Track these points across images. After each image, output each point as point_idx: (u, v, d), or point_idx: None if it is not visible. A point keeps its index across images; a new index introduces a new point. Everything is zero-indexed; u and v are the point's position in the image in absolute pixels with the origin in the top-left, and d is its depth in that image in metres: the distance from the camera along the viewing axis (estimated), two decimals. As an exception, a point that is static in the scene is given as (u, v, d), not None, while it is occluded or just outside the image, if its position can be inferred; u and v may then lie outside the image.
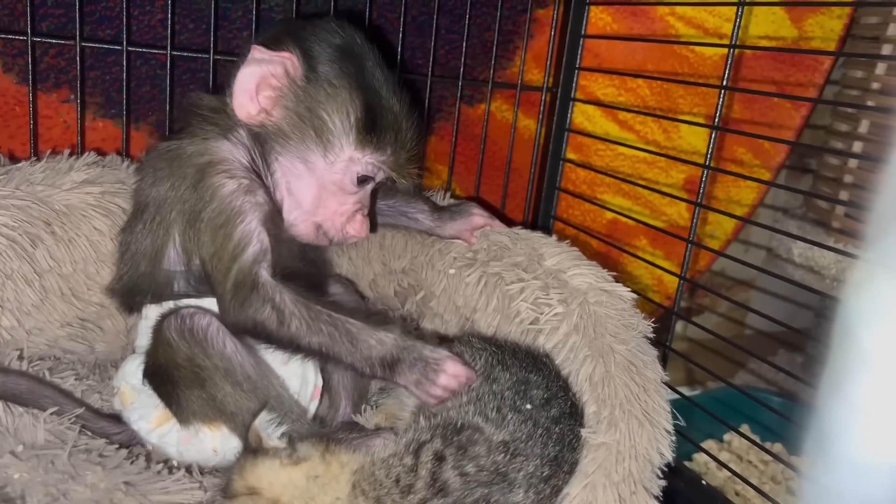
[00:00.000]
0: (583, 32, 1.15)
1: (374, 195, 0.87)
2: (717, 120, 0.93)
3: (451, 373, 0.70)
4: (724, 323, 1.59)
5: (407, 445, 0.66)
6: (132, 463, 0.71)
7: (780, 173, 1.43)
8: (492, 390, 0.71)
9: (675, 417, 0.75)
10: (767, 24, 1.28)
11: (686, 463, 1.14)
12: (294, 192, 0.79)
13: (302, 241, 0.82)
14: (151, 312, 0.80)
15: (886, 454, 0.51)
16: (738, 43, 0.92)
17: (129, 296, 0.83)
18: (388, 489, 0.63)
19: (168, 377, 0.74)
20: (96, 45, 0.97)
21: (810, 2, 1.24)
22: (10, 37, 0.94)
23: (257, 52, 0.76)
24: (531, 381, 0.73)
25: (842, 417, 0.52)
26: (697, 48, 1.26)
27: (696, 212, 0.96)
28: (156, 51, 0.99)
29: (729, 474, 1.03)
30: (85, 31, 0.96)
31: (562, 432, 0.70)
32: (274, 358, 0.77)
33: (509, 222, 0.98)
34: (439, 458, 0.64)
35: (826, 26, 1.32)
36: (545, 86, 1.20)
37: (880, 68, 1.22)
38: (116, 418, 0.79)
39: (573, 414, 0.73)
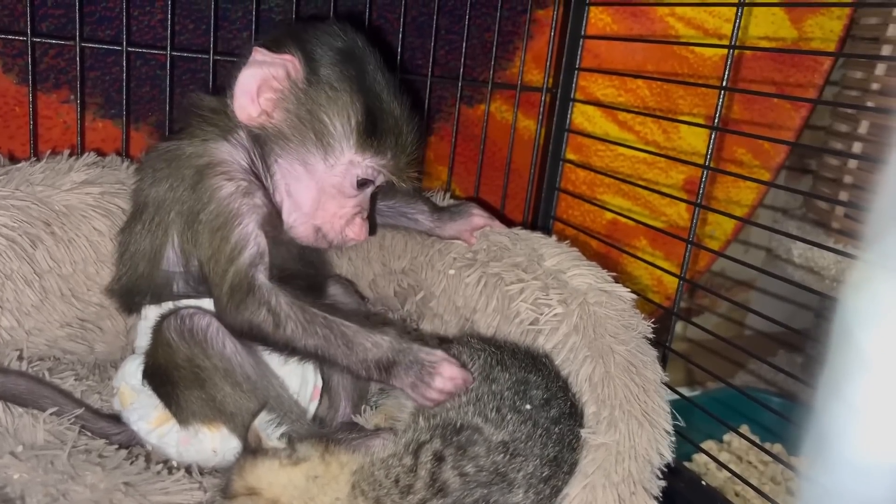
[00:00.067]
0: (582, 33, 1.15)
1: (373, 198, 0.87)
2: (716, 120, 0.93)
3: (447, 375, 0.70)
4: (723, 323, 1.59)
5: (406, 446, 0.66)
6: (132, 463, 0.71)
7: (779, 174, 1.43)
8: (491, 391, 0.71)
9: (674, 418, 0.75)
10: (767, 24, 1.29)
11: (686, 463, 1.14)
12: (293, 195, 0.79)
13: (301, 243, 0.82)
14: (151, 313, 0.80)
15: (886, 455, 0.50)
16: (737, 44, 0.92)
17: (129, 296, 0.83)
18: (387, 489, 0.63)
19: (168, 378, 0.74)
20: (96, 45, 0.97)
21: (810, 2, 1.24)
22: (10, 37, 0.94)
23: (259, 54, 0.76)
24: (531, 382, 0.73)
25: (841, 418, 0.52)
26: (697, 49, 1.26)
27: (696, 212, 0.96)
28: (156, 51, 0.99)
29: (729, 475, 1.03)
30: (85, 32, 0.96)
31: (561, 433, 0.70)
32: (273, 358, 0.77)
33: (509, 223, 0.98)
34: (439, 459, 0.64)
35: (826, 27, 1.32)
36: (545, 86, 1.20)
37: (880, 69, 1.22)
38: (116, 419, 0.79)
39: (573, 414, 0.73)
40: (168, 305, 0.79)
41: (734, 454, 1.23)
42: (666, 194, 1.08)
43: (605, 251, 1.21)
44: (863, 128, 1.24)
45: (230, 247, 0.73)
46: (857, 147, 1.25)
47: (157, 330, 0.75)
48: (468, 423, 0.68)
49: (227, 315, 0.73)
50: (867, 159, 1.17)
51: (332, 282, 0.92)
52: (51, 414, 0.73)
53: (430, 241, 0.99)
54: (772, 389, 1.42)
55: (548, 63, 1.19)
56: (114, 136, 1.02)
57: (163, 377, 0.74)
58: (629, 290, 0.84)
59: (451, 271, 0.95)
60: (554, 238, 0.94)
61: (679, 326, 1.29)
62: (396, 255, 1.02)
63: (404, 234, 1.00)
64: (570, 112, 1.18)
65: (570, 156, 1.22)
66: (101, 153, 0.97)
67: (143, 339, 0.79)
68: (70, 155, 0.92)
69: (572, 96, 1.18)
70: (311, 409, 0.82)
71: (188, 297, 0.79)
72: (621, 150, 1.27)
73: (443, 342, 0.81)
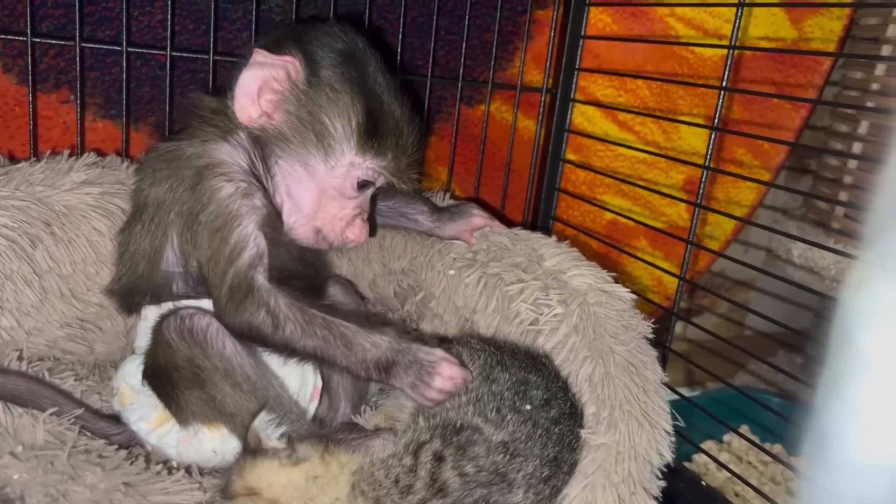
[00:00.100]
0: (582, 33, 1.15)
1: (373, 199, 0.87)
2: (716, 121, 0.93)
3: (447, 375, 0.70)
4: (723, 324, 1.59)
5: (406, 446, 0.66)
6: (131, 464, 0.71)
7: (779, 174, 1.43)
8: (491, 391, 0.71)
9: (674, 418, 0.75)
10: (767, 25, 1.29)
11: (686, 464, 1.14)
12: (294, 196, 0.79)
13: (301, 244, 0.82)
14: (150, 313, 0.80)
15: (886, 455, 0.50)
16: (737, 44, 0.92)
17: (128, 297, 0.83)
18: (387, 489, 0.63)
19: (167, 378, 0.74)
20: (96, 45, 0.97)
21: (810, 3, 1.24)
22: (9, 37, 0.94)
23: (259, 55, 0.76)
24: (531, 382, 0.73)
25: (841, 418, 0.52)
26: (697, 49, 1.26)
27: (696, 212, 0.96)
28: (155, 51, 0.99)
29: (728, 475, 1.03)
30: (85, 32, 0.96)
31: (561, 433, 0.70)
32: (273, 359, 0.77)
33: (509, 223, 0.98)
34: (438, 459, 0.64)
35: (825, 27, 1.32)
36: (545, 87, 1.20)
37: (880, 69, 1.22)
38: (116, 419, 0.79)
39: (573, 414, 0.73)
40: (168, 306, 0.79)
41: (734, 454, 1.23)
42: (666, 194, 1.08)
43: (605, 251, 1.21)
44: (862, 128, 1.24)
45: (229, 248, 0.73)
46: (856, 147, 1.25)
47: (157, 330, 0.75)
48: (468, 423, 0.68)
49: (226, 316, 0.73)
50: (867, 159, 1.17)
51: (332, 282, 0.92)
52: (50, 414, 0.73)
53: (429, 241, 0.99)
54: (772, 390, 1.43)
55: (548, 63, 1.19)
56: (114, 136, 1.02)
57: (163, 377, 0.74)
58: (629, 290, 0.84)
59: (451, 271, 0.94)
60: (554, 238, 0.94)
61: (679, 327, 1.29)
62: (396, 256, 1.02)
63: (404, 234, 1.00)
64: (569, 112, 1.18)
65: (570, 156, 1.22)
66: (101, 153, 0.97)
67: (142, 340, 0.79)
68: (70, 155, 0.92)
69: (572, 96, 1.18)
70: (311, 409, 0.82)
71: (188, 297, 0.79)
72: (621, 150, 1.27)
73: (443, 342, 0.81)
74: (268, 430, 0.67)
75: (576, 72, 1.17)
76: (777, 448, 1.18)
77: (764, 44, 1.29)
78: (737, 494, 1.12)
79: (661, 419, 0.73)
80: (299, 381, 0.80)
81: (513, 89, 1.20)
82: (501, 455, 0.65)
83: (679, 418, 0.85)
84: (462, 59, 1.15)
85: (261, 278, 0.73)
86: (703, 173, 0.95)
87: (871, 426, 0.51)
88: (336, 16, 1.06)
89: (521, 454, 0.66)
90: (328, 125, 0.77)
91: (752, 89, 1.30)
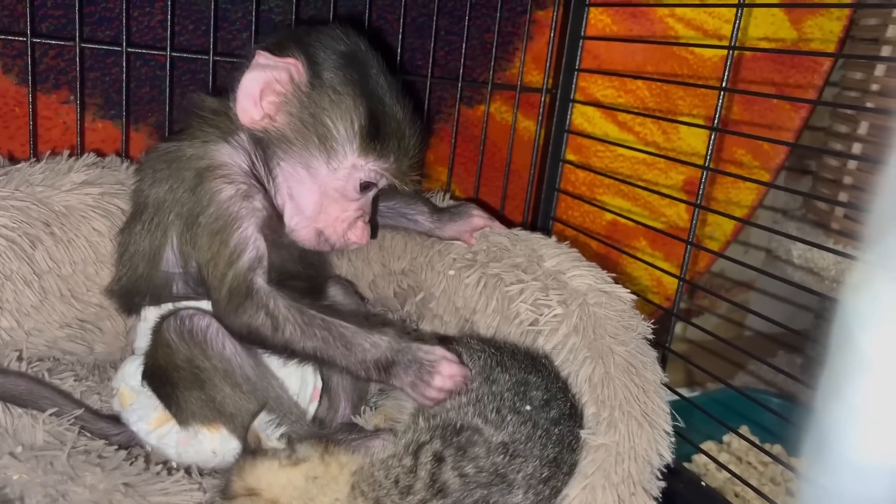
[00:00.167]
0: (582, 34, 1.15)
1: (375, 201, 0.87)
2: (716, 121, 0.93)
3: (447, 374, 0.70)
4: (723, 324, 1.59)
5: (406, 446, 0.66)
6: (131, 464, 0.71)
7: (779, 175, 1.43)
8: (491, 391, 0.71)
9: (674, 419, 0.75)
10: (767, 25, 1.29)
11: (685, 464, 1.14)
12: (296, 198, 0.79)
13: (303, 246, 0.82)
14: (150, 314, 0.80)
15: (885, 456, 0.50)
16: (737, 44, 0.92)
17: (128, 297, 0.83)
18: (387, 490, 0.63)
19: (167, 378, 0.74)
20: (96, 46, 0.97)
21: (810, 3, 1.24)
22: (9, 38, 0.94)
23: (262, 57, 0.76)
24: (530, 383, 0.73)
25: (841, 419, 0.52)
26: (697, 49, 1.26)
27: (696, 213, 0.96)
28: (155, 52, 0.99)
29: (728, 475, 1.03)
30: (84, 32, 0.96)
31: (561, 433, 0.70)
32: (273, 360, 0.77)
33: (509, 223, 0.98)
34: (438, 459, 0.64)
35: (825, 28, 1.32)
36: (545, 87, 1.20)
37: (879, 70, 1.22)
38: (115, 419, 0.79)
39: (572, 415, 0.73)
40: (167, 306, 0.79)
41: (734, 455, 1.23)
42: (665, 195, 1.09)
43: (605, 252, 1.21)
44: (862, 129, 1.24)
45: (229, 250, 0.73)
46: (856, 148, 1.25)
47: (157, 331, 0.75)
48: (468, 423, 0.68)
49: (225, 318, 0.74)
50: (867, 160, 1.17)
51: (332, 283, 0.92)
52: (50, 415, 0.73)
53: (429, 241, 0.99)
54: (771, 390, 1.43)
55: (547, 64, 1.19)
56: (113, 136, 1.02)
57: (162, 378, 0.74)
58: (629, 290, 0.84)
59: (451, 272, 0.94)
60: (554, 239, 0.94)
61: (679, 327, 1.29)
62: (396, 256, 1.02)
63: (404, 234, 1.00)
64: (569, 113, 1.18)
65: (570, 156, 1.22)
66: (101, 154, 0.97)
67: (142, 341, 0.79)
68: (70, 155, 0.91)
69: (572, 97, 1.18)
70: (311, 410, 0.82)
71: (188, 298, 0.79)
72: (621, 150, 1.27)
73: (443, 343, 0.81)
74: (267, 430, 0.67)
75: (576, 72, 1.17)
76: (777, 449, 1.18)
77: (764, 44, 1.29)
78: (736, 495, 1.12)
79: (661, 420, 0.73)
80: (299, 382, 0.80)
81: (513, 90, 1.20)
82: (501, 456, 0.65)
83: (679, 419, 0.85)
84: (462, 60, 1.15)
85: (260, 281, 0.73)
86: (702, 174, 0.95)
87: (871, 427, 0.51)
88: (336, 16, 1.06)
89: (520, 455, 0.66)
90: (331, 127, 0.77)
91: (752, 90, 1.30)
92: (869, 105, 1.24)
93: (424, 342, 0.74)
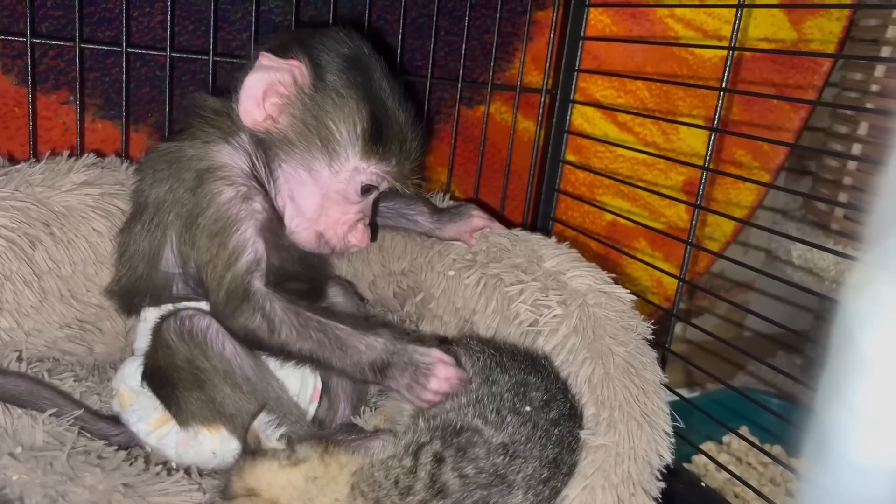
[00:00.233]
0: (582, 34, 1.15)
1: (375, 203, 0.87)
2: (716, 122, 0.93)
3: (442, 376, 0.70)
4: (723, 325, 1.59)
5: (406, 447, 0.66)
6: (131, 465, 0.71)
7: (779, 175, 1.43)
8: (491, 392, 0.71)
9: (674, 419, 0.75)
10: (766, 26, 1.29)
11: (685, 465, 1.14)
12: (297, 200, 0.79)
13: (303, 248, 0.82)
14: (150, 315, 0.80)
15: (885, 456, 0.50)
16: (737, 45, 0.92)
17: (128, 297, 0.83)
18: (387, 490, 0.63)
19: (167, 379, 0.74)
20: (96, 46, 0.97)
21: (809, 4, 1.24)
22: (9, 38, 0.94)
23: (265, 58, 0.76)
24: (530, 383, 0.73)
25: (841, 420, 0.52)
26: (697, 50, 1.26)
27: (696, 213, 0.96)
28: (155, 52, 0.99)
29: (728, 476, 1.03)
30: (84, 33, 0.96)
31: (561, 434, 0.70)
32: (273, 360, 0.77)
33: (509, 224, 0.98)
34: (438, 460, 0.64)
35: (825, 28, 1.32)
36: (544, 88, 1.20)
37: (879, 70, 1.22)
38: (115, 420, 0.79)
39: (572, 416, 0.73)
40: (167, 307, 0.78)
41: (734, 455, 1.23)
42: (665, 195, 1.09)
43: (605, 252, 1.21)
44: (862, 129, 1.24)
45: (227, 253, 0.73)
46: (856, 149, 1.25)
47: (157, 331, 0.75)
48: (468, 424, 0.68)
49: (223, 320, 0.74)
50: (866, 161, 1.17)
51: (332, 283, 0.92)
52: (50, 415, 0.73)
53: (429, 242, 0.99)
54: (771, 391, 1.43)
55: (547, 64, 1.19)
56: (113, 137, 1.02)
57: (162, 378, 0.74)
58: (628, 291, 0.84)
59: (451, 272, 0.94)
60: (553, 239, 0.94)
61: (678, 328, 1.29)
62: (396, 257, 1.02)
63: (404, 235, 1.00)
64: (569, 113, 1.18)
65: (570, 157, 1.22)
66: (101, 154, 0.97)
67: (142, 341, 0.79)
68: (69, 156, 0.91)
69: (572, 98, 1.18)
70: (311, 410, 0.82)
71: (187, 298, 0.79)
72: (621, 151, 1.27)
73: (442, 343, 0.81)
74: (267, 430, 0.67)
75: (575, 73, 1.17)
76: (777, 449, 1.18)
77: (763, 45, 1.29)
78: (736, 496, 1.12)
79: (661, 420, 0.73)
80: (299, 383, 0.80)
81: (512, 90, 1.20)
82: (501, 456, 0.65)
83: (678, 419, 0.85)
84: (462, 60, 1.15)
85: (257, 283, 0.73)
86: (702, 174, 0.95)
87: (872, 428, 0.51)
88: (335, 17, 1.06)
89: (520, 456, 0.66)
90: (333, 130, 0.77)
91: (752, 90, 1.30)
92: (868, 106, 1.23)
93: (424, 343, 0.74)
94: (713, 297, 1.52)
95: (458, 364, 0.73)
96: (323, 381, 0.83)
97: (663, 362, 0.89)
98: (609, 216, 1.30)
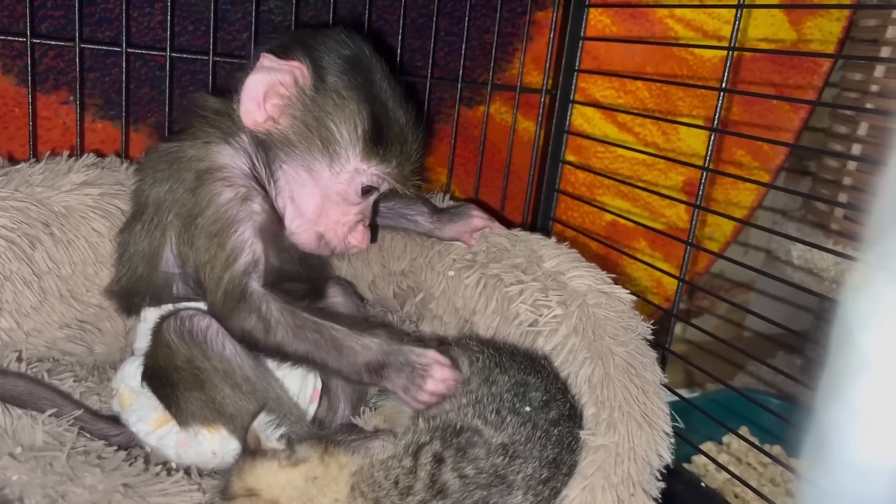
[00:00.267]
0: (582, 34, 1.15)
1: (375, 204, 0.87)
2: (716, 122, 0.93)
3: (439, 377, 0.70)
4: (723, 325, 1.59)
5: (406, 447, 0.66)
6: (131, 465, 0.71)
7: (779, 175, 1.43)
8: (491, 392, 0.71)
9: (674, 419, 0.75)
10: (766, 26, 1.29)
11: (685, 465, 1.14)
12: (297, 201, 0.79)
13: (303, 249, 0.82)
14: (150, 315, 0.80)
15: (885, 457, 0.50)
16: (737, 45, 0.92)
17: (128, 297, 0.83)
18: (386, 491, 0.63)
19: (167, 379, 0.74)
20: (96, 46, 0.97)
21: (809, 4, 1.24)
22: (9, 38, 0.94)
23: (266, 59, 0.76)
24: (530, 384, 0.73)
25: (841, 420, 0.52)
26: (696, 50, 1.26)
27: (695, 214, 0.96)
28: (155, 52, 0.99)
29: (728, 476, 1.03)
30: (84, 33, 0.96)
31: (561, 434, 0.70)
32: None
33: (508, 224, 0.98)
34: (438, 460, 0.64)
35: (825, 29, 1.32)
36: (544, 88, 1.20)
37: (879, 71, 1.22)
38: (115, 420, 0.79)
39: (572, 416, 0.73)
40: (167, 307, 0.78)
41: (733, 456, 1.23)
42: (665, 196, 1.09)
43: (605, 252, 1.21)
44: (862, 129, 1.24)
45: (226, 254, 0.73)
46: (856, 149, 1.25)
47: (157, 331, 0.75)
48: (468, 424, 0.68)
49: (220, 320, 0.74)
50: (866, 161, 1.17)
51: (332, 284, 0.92)
52: (50, 415, 0.73)
53: (429, 242, 0.99)
54: (771, 391, 1.43)
55: (547, 64, 1.19)
56: (113, 137, 1.02)
57: (162, 379, 0.74)
58: (628, 291, 0.84)
59: (451, 273, 0.94)
60: (553, 239, 0.94)
61: (678, 328, 1.29)
62: (396, 257, 1.02)
63: (404, 235, 1.00)
64: (569, 113, 1.18)
65: (570, 157, 1.22)
66: (101, 154, 0.97)
67: (142, 342, 0.79)
68: (69, 156, 0.91)
69: (572, 98, 1.18)
70: (311, 410, 0.82)
71: (187, 299, 0.79)
72: (621, 151, 1.27)
73: (442, 344, 0.81)
74: (267, 431, 0.67)
75: (575, 73, 1.17)
76: (776, 449, 1.18)
77: (763, 45, 1.29)
78: (736, 496, 1.12)
79: (661, 420, 0.73)
80: (299, 383, 0.80)
81: (512, 90, 1.20)
82: (501, 457, 0.65)
83: (678, 419, 0.85)
84: (462, 61, 1.15)
85: (255, 284, 0.74)
86: (702, 174, 0.95)
87: (871, 428, 0.51)
88: (335, 17, 1.06)
89: (520, 456, 0.66)
90: (334, 131, 0.77)
91: (752, 90, 1.30)
92: (868, 106, 1.23)
93: (424, 343, 0.74)
94: (713, 298, 1.52)
95: (455, 365, 0.73)
96: (323, 382, 0.83)
97: (663, 362, 0.89)
98: (609, 216, 1.30)
